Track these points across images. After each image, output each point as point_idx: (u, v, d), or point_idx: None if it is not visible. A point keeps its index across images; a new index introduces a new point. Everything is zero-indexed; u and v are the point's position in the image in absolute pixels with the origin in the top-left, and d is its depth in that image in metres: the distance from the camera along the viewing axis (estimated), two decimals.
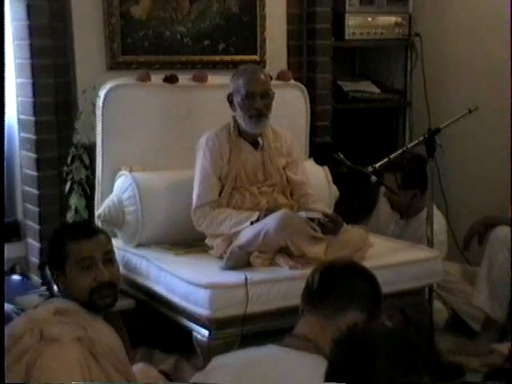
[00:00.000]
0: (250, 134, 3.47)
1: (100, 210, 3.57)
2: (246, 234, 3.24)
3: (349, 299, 1.96)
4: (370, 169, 3.34)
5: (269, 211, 3.30)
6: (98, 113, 3.58)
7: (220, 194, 3.43)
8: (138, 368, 2.62)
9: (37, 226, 3.84)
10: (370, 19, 4.60)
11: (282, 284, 3.11)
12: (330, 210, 3.60)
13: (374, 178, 3.33)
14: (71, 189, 3.58)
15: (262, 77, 3.46)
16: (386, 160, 3.39)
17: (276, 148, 3.55)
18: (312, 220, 3.26)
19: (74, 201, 3.57)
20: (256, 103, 3.36)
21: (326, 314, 1.95)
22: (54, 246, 2.46)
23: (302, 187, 3.56)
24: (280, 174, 3.53)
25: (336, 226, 3.29)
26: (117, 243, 3.61)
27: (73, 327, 2.27)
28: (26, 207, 3.95)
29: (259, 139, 3.50)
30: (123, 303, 3.38)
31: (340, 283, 1.99)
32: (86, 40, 3.81)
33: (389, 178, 3.88)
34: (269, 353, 1.92)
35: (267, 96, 3.40)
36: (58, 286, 2.43)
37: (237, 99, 3.40)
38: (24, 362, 2.18)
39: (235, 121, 3.47)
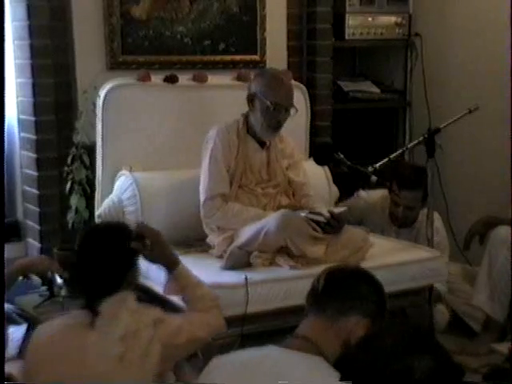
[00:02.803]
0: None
1: (100, 209, 3.57)
2: (246, 233, 3.24)
3: (353, 304, 1.98)
4: (370, 169, 3.34)
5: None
6: (99, 113, 3.58)
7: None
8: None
9: (37, 226, 3.84)
10: (370, 19, 4.61)
11: (282, 284, 3.11)
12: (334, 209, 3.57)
13: (373, 177, 3.32)
14: (71, 189, 3.58)
15: (292, 90, 3.43)
16: (386, 160, 3.38)
17: (281, 149, 3.55)
18: (313, 220, 3.26)
19: (75, 201, 3.57)
20: (280, 116, 3.36)
21: (329, 316, 1.97)
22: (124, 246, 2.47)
23: (302, 188, 3.57)
24: (284, 174, 3.53)
25: (340, 224, 3.29)
26: None
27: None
28: (26, 207, 3.95)
29: (266, 139, 3.50)
30: None
31: (345, 287, 2.01)
32: (86, 40, 3.81)
33: (406, 196, 3.84)
34: (269, 353, 1.92)
35: (290, 110, 3.38)
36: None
37: (261, 104, 3.36)
38: (154, 352, 2.29)
39: (245, 118, 3.46)
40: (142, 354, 2.28)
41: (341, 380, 1.67)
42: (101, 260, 2.38)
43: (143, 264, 3.42)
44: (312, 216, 3.27)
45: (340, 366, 1.78)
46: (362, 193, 4.04)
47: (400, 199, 3.86)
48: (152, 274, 3.35)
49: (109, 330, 2.28)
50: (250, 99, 3.40)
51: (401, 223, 3.96)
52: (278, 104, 3.35)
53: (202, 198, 3.40)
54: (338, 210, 3.41)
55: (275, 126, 3.38)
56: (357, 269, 2.20)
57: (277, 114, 3.35)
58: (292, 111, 3.40)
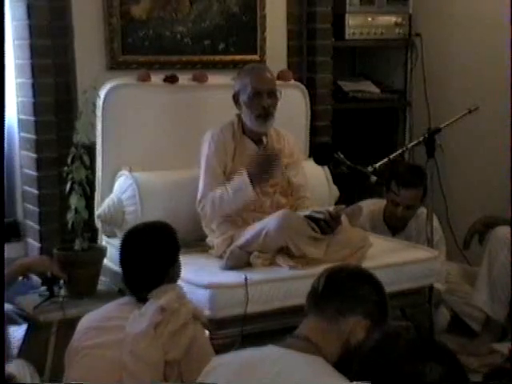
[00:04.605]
0: (254, 133, 3.48)
1: (100, 209, 3.57)
2: (247, 234, 3.24)
3: (352, 304, 1.97)
4: (370, 169, 3.34)
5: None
6: (98, 113, 3.58)
7: None
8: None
9: (37, 226, 3.84)
10: (370, 19, 4.60)
11: (282, 284, 3.11)
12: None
13: (373, 177, 3.33)
14: (71, 189, 3.57)
15: (269, 75, 3.48)
16: (385, 160, 3.39)
17: (279, 148, 3.55)
18: (313, 220, 3.26)
19: (74, 201, 3.55)
20: (263, 102, 3.37)
21: (328, 316, 1.96)
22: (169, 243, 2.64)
23: (299, 189, 3.57)
24: (282, 173, 3.53)
25: (337, 224, 3.29)
26: (117, 243, 3.61)
27: None
28: (26, 207, 3.95)
29: (263, 138, 3.50)
30: None
31: (345, 287, 2.01)
32: (86, 40, 3.80)
33: (407, 194, 3.82)
34: (268, 353, 1.92)
35: (274, 95, 3.41)
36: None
37: (243, 98, 3.40)
38: (187, 335, 2.42)
39: (239, 119, 3.47)
40: (175, 330, 2.41)
41: (352, 380, 1.67)
42: (146, 257, 2.56)
43: None
44: (312, 214, 3.27)
45: (343, 366, 1.79)
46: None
47: (400, 199, 3.84)
48: None
49: (153, 303, 2.45)
50: (236, 99, 3.44)
51: (396, 227, 3.96)
52: (258, 90, 3.38)
53: (197, 199, 3.41)
54: (334, 208, 3.41)
55: (263, 113, 3.39)
56: (357, 269, 2.19)
57: (260, 100, 3.37)
58: (278, 95, 3.42)
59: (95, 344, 2.43)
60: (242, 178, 3.31)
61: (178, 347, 2.40)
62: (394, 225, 3.96)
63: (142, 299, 2.51)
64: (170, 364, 2.39)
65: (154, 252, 2.57)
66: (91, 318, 2.57)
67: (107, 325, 2.48)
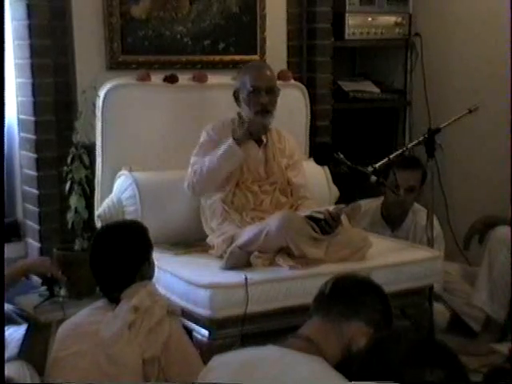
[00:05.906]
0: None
1: (100, 209, 3.57)
2: (247, 233, 3.24)
3: (356, 309, 2.02)
4: (370, 169, 3.34)
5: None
6: (98, 113, 3.59)
7: (223, 191, 3.43)
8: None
9: (37, 226, 3.84)
10: (370, 19, 4.61)
11: (282, 284, 3.10)
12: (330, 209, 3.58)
13: (373, 177, 3.33)
14: (71, 189, 3.58)
15: (268, 73, 3.49)
16: (385, 160, 3.39)
17: (279, 148, 3.56)
18: (313, 220, 3.25)
19: (74, 201, 3.56)
20: (261, 98, 3.39)
21: (331, 319, 2.01)
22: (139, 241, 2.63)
23: (300, 190, 3.57)
24: (282, 172, 3.54)
25: (337, 224, 3.30)
26: None
27: None
28: (26, 207, 3.95)
29: (263, 137, 3.51)
30: None
31: (351, 293, 2.06)
32: (85, 40, 3.81)
33: (407, 176, 3.86)
34: (268, 353, 1.93)
35: (272, 92, 3.43)
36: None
37: (242, 95, 3.43)
38: (163, 331, 2.42)
39: (240, 116, 3.48)
40: (150, 328, 2.41)
41: (352, 381, 1.68)
42: (115, 256, 2.54)
43: None
44: (312, 214, 3.27)
45: (347, 368, 1.79)
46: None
47: (400, 181, 3.86)
48: None
49: (125, 303, 2.44)
50: (236, 96, 3.46)
51: (394, 222, 3.97)
52: (257, 87, 3.39)
53: (185, 183, 3.44)
54: (334, 208, 3.41)
55: (261, 110, 3.41)
56: (365, 278, 2.24)
57: (258, 97, 3.39)
58: (277, 91, 3.43)
59: (72, 353, 2.43)
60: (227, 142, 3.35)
61: (156, 344, 2.40)
62: (392, 220, 4.00)
63: (114, 300, 2.51)
64: (149, 362, 2.39)
65: (122, 250, 2.57)
66: (68, 324, 2.56)
67: (82, 331, 2.47)
